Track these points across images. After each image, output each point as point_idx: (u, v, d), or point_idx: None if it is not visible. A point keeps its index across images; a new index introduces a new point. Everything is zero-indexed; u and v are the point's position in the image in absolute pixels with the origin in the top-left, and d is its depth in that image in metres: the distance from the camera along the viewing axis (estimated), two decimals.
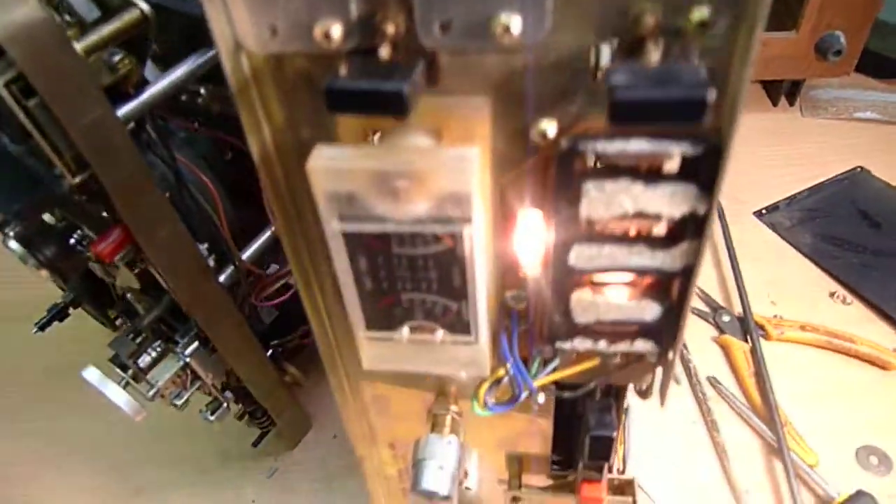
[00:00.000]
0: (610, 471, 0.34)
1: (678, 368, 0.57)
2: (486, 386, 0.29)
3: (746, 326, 0.56)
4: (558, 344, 0.27)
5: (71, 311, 0.58)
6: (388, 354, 0.27)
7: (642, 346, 0.26)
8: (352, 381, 0.33)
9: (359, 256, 0.23)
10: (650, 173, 0.21)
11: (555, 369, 0.28)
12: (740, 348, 0.55)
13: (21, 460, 0.57)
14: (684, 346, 0.58)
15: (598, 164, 0.21)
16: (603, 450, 0.29)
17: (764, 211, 0.67)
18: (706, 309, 0.59)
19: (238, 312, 0.42)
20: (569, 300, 0.25)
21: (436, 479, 0.30)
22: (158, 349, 0.43)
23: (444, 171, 0.20)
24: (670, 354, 0.27)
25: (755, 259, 0.63)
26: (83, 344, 0.64)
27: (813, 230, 0.64)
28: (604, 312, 0.25)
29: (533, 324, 0.27)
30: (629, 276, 0.24)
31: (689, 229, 0.22)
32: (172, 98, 0.36)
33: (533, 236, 0.24)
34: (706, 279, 0.63)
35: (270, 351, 0.49)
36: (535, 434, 0.34)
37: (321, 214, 0.22)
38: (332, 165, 0.21)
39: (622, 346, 0.26)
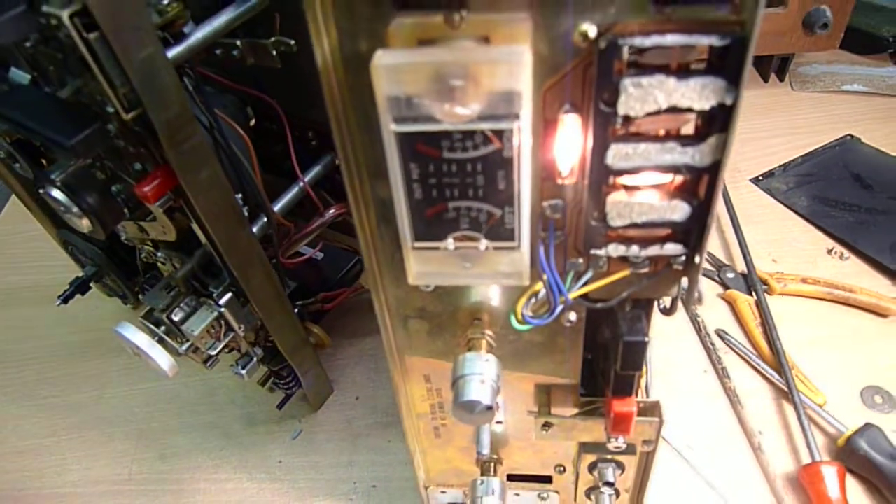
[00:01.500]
0: (636, 395, 0.36)
1: (683, 318, 0.58)
2: (523, 299, 0.31)
3: (751, 281, 0.58)
4: (593, 251, 0.29)
5: (92, 286, 0.59)
6: (434, 268, 0.29)
7: (671, 249, 0.28)
8: (393, 312, 0.34)
9: (411, 162, 0.25)
10: (681, 70, 0.23)
11: (587, 282, 0.30)
12: (746, 301, 0.57)
13: (45, 433, 0.57)
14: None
15: (635, 64, 0.23)
16: (636, 357, 0.31)
17: (761, 178, 0.70)
18: (711, 268, 0.62)
19: (269, 263, 0.43)
20: (605, 203, 0.27)
21: (478, 390, 0.31)
22: (191, 305, 0.44)
23: (498, 67, 0.22)
24: (697, 258, 0.28)
25: (755, 222, 0.65)
26: (100, 322, 0.65)
27: (808, 193, 0.67)
28: (637, 214, 0.27)
29: (568, 234, 0.29)
30: (661, 178, 0.26)
31: (717, 123, 0.24)
32: (206, 51, 0.38)
33: (570, 142, 0.26)
34: (710, 241, 0.65)
35: (296, 310, 0.50)
36: (564, 363, 0.36)
37: (380, 116, 0.24)
38: (394, 63, 0.22)
39: (653, 251, 0.28)
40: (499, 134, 0.24)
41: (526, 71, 0.22)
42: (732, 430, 0.50)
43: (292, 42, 0.37)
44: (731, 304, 0.58)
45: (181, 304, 0.44)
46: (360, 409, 0.55)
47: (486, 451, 0.37)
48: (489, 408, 0.31)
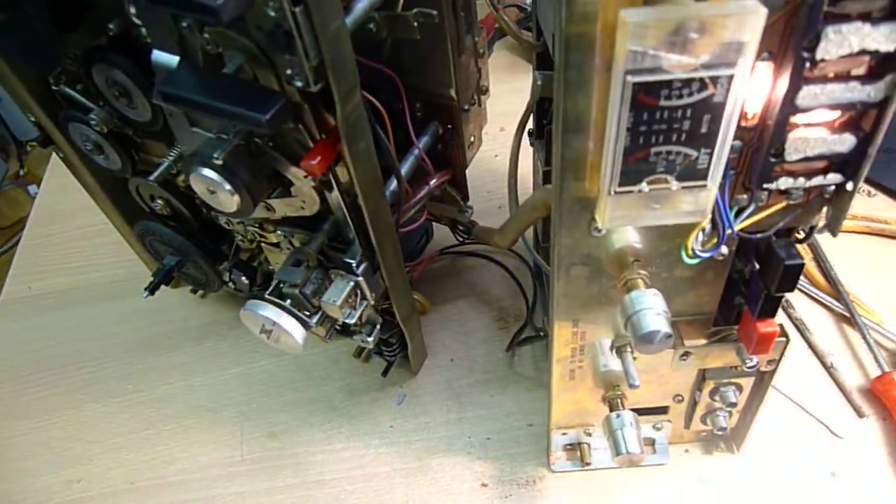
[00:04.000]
0: None
1: None
2: (693, 235, 0.34)
3: None
4: (765, 186, 0.32)
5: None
6: (625, 211, 0.32)
7: (833, 178, 0.32)
8: (560, 262, 0.37)
9: (631, 111, 0.28)
10: (873, 16, 0.27)
11: (749, 215, 0.34)
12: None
13: (141, 427, 0.58)
14: None
15: (831, 14, 0.27)
16: (793, 279, 0.35)
17: None
18: None
19: (395, 231, 0.45)
20: (785, 140, 0.30)
21: (656, 321, 0.34)
22: (318, 279, 0.46)
23: (733, 19, 0.25)
24: (849, 185, 0.32)
25: None
26: (167, 314, 0.65)
27: None
28: (811, 148, 0.30)
29: (739, 172, 0.33)
30: (833, 114, 0.30)
31: (893, 63, 0.28)
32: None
33: (760, 87, 0.29)
34: None
35: None
36: (706, 296, 0.40)
37: (614, 69, 0.26)
38: (641, 20, 0.25)
39: (817, 181, 0.32)
40: (716, 80, 0.27)
41: (758, 22, 0.25)
42: (804, 355, 0.55)
43: (434, 13, 0.38)
44: None
45: (311, 279, 0.45)
46: (457, 370, 0.58)
47: (637, 382, 0.40)
48: (669, 335, 0.34)
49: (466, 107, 0.47)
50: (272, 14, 0.29)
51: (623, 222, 0.33)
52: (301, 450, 0.54)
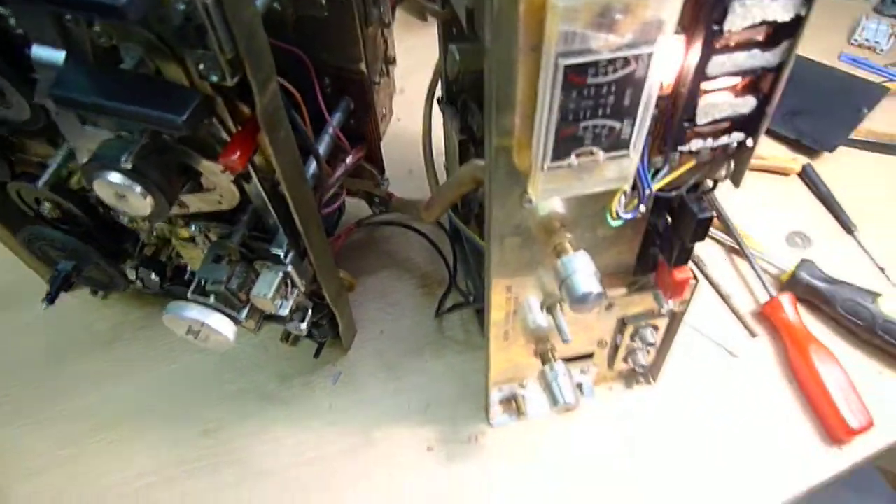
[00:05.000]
0: None
1: None
2: (616, 199, 0.36)
3: None
4: (680, 148, 0.34)
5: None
6: (556, 185, 0.33)
7: (736, 136, 0.35)
8: (493, 233, 0.37)
9: (562, 91, 0.29)
10: None
11: (663, 176, 0.36)
12: None
13: (58, 446, 0.54)
14: None
15: None
16: (704, 230, 0.38)
17: None
18: None
19: (318, 214, 0.44)
20: (696, 105, 0.32)
21: (589, 282, 0.37)
22: (242, 273, 0.44)
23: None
24: (750, 142, 0.35)
25: None
26: (66, 323, 0.60)
27: None
28: (718, 111, 0.33)
29: (654, 138, 0.35)
30: (737, 79, 0.32)
31: (788, 31, 0.30)
32: None
33: (675, 57, 0.31)
34: None
35: None
36: (626, 252, 0.42)
37: (545, 52, 0.27)
38: (571, 4, 0.26)
39: (722, 140, 0.35)
40: (638, 57, 0.28)
41: (677, 2, 0.26)
42: (702, 286, 0.61)
43: None
44: None
45: (235, 273, 0.44)
46: (388, 342, 0.59)
47: (569, 337, 0.43)
48: (601, 294, 0.37)
49: (377, 79, 0.46)
50: (181, 7, 0.27)
51: (554, 194, 0.34)
52: (239, 444, 0.53)
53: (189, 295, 0.43)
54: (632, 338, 0.49)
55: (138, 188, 0.35)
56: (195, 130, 0.31)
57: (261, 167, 0.38)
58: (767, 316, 0.58)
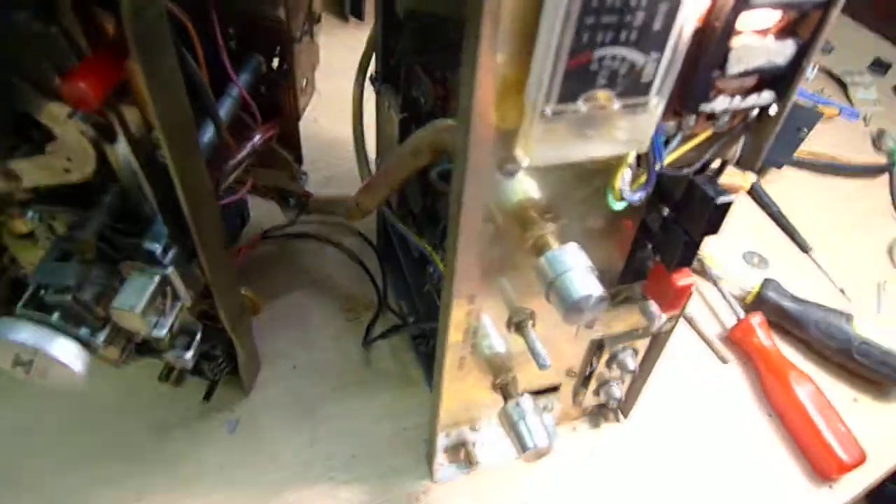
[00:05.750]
0: None
1: None
2: (619, 174, 0.28)
3: None
4: (701, 107, 0.27)
5: None
6: (555, 141, 0.25)
7: (766, 96, 0.28)
8: (466, 215, 0.28)
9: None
10: None
11: (677, 146, 0.29)
12: None
13: None
14: None
15: None
16: (721, 219, 0.30)
17: None
18: None
19: (215, 200, 0.33)
20: (730, 48, 0.25)
21: (587, 282, 0.28)
22: (100, 278, 0.32)
23: None
24: (774, 109, 0.29)
25: None
26: None
27: None
28: (752, 58, 0.26)
29: (672, 95, 0.27)
30: (777, 14, 0.25)
31: None
32: None
33: None
34: None
35: None
36: (614, 250, 0.34)
37: None
38: None
39: (751, 100, 0.28)
40: None
41: None
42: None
43: None
44: None
45: (91, 278, 0.31)
46: (303, 379, 0.47)
47: (546, 361, 0.33)
48: (603, 298, 0.28)
49: (299, 34, 0.36)
50: None
51: (551, 154, 0.25)
52: None
53: (19, 308, 0.30)
54: (608, 364, 0.41)
55: None
56: (24, 43, 0.20)
57: (131, 121, 0.27)
58: (736, 340, 0.52)
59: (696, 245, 0.32)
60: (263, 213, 0.52)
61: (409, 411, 0.46)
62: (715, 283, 0.55)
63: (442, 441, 0.42)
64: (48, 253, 0.30)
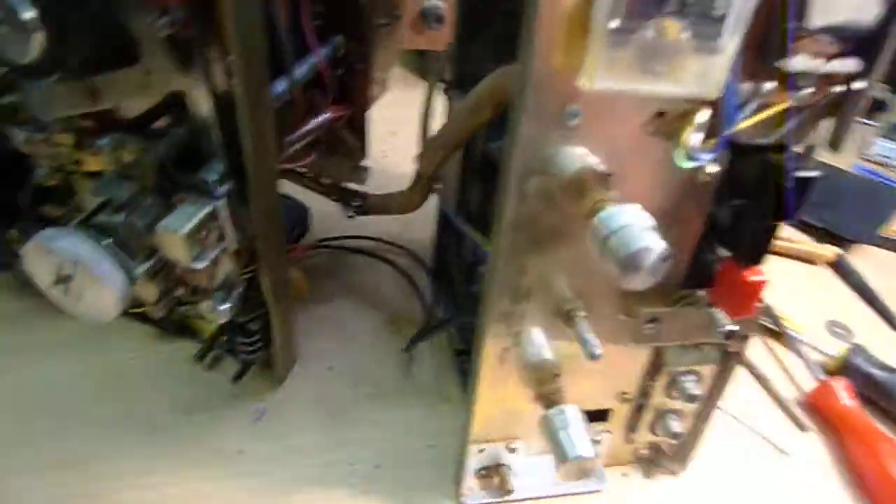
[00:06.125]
0: None
1: None
2: (689, 127, 0.26)
3: None
4: (778, 63, 0.26)
5: None
6: (620, 70, 0.24)
7: (852, 64, 0.26)
8: (517, 168, 0.27)
9: None
10: None
11: (752, 113, 0.27)
12: None
13: None
14: None
15: None
16: (800, 196, 0.28)
17: None
18: None
19: (277, 152, 0.33)
20: None
21: (646, 236, 0.25)
22: (156, 207, 0.32)
23: None
24: (860, 84, 0.27)
25: None
26: None
27: None
28: (837, 11, 0.25)
29: (747, 48, 0.26)
30: None
31: None
32: None
33: None
34: None
35: None
36: (681, 237, 0.31)
37: None
38: None
39: (834, 65, 0.26)
40: None
41: None
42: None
43: None
44: None
45: (146, 206, 0.32)
46: (337, 382, 0.44)
47: (598, 350, 0.30)
48: (666, 256, 0.25)
49: (384, 21, 0.38)
50: None
51: (615, 82, 0.24)
52: (105, 485, 0.37)
53: (75, 224, 0.31)
54: (667, 389, 0.37)
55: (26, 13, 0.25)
56: None
57: (212, 55, 0.28)
58: (816, 405, 0.46)
59: (772, 231, 0.29)
60: (322, 227, 0.53)
61: (442, 429, 0.42)
62: (793, 344, 0.50)
63: (474, 457, 0.38)
64: (111, 172, 0.31)
